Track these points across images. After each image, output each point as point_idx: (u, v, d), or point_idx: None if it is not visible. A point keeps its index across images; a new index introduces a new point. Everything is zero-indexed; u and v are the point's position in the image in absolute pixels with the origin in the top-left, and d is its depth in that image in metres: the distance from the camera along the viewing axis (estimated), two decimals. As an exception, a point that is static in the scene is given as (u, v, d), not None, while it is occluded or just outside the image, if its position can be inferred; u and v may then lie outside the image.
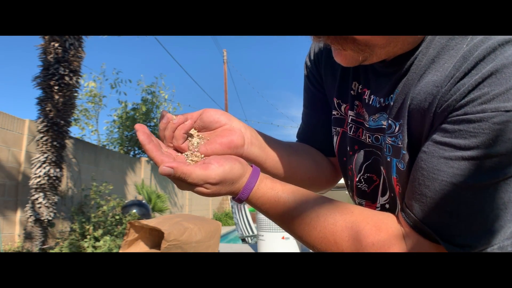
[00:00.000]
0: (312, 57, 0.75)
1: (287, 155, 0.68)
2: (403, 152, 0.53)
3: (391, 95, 0.56)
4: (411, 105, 0.51)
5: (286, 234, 4.01)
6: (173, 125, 0.56)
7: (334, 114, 0.71)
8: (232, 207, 7.88)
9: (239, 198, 0.53)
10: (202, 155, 0.55)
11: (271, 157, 0.65)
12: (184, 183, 0.50)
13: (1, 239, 4.55)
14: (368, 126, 0.62)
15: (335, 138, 0.72)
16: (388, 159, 0.57)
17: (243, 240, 7.11)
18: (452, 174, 0.45)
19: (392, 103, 0.55)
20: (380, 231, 0.50)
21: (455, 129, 0.44)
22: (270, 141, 0.66)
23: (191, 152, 0.55)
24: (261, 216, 4.19)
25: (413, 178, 0.50)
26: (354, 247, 0.49)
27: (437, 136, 0.47)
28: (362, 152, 0.65)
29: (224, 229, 9.38)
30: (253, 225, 7.36)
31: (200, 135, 0.59)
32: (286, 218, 0.53)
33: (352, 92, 0.65)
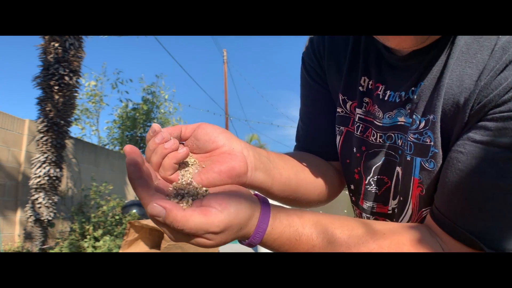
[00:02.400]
0: (312, 50, 0.69)
1: (295, 174, 0.60)
2: (435, 150, 0.48)
3: (413, 88, 0.52)
4: (444, 100, 0.47)
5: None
6: (164, 151, 0.45)
7: (339, 112, 0.65)
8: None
9: (250, 243, 0.44)
10: (199, 187, 0.45)
11: (277, 181, 0.56)
12: (180, 234, 0.39)
13: (1, 239, 4.55)
14: (380, 124, 0.57)
15: (338, 138, 0.66)
16: (408, 158, 0.52)
17: (243, 240, 7.09)
18: (498, 176, 0.41)
19: (415, 97, 0.51)
20: (418, 249, 0.46)
21: (499, 127, 0.41)
22: (275, 161, 0.57)
23: (185, 186, 0.44)
24: (261, 216, 4.18)
25: (448, 181, 0.45)
26: None
27: (475, 135, 0.43)
28: (371, 153, 0.60)
29: (224, 229, 9.33)
30: (253, 225, 7.33)
31: (195, 162, 0.48)
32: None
33: (361, 88, 0.60)
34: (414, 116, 0.51)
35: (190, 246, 3.01)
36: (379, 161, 0.59)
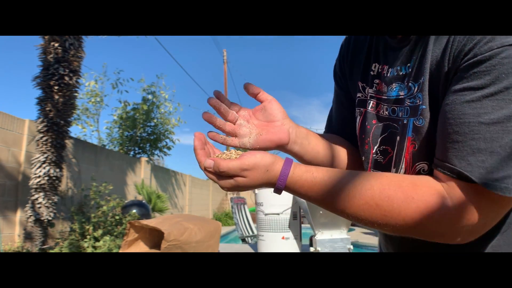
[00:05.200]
0: (339, 53, 0.82)
1: (323, 150, 0.76)
2: (423, 107, 0.57)
3: (409, 64, 0.61)
4: (430, 63, 0.55)
5: (286, 234, 4.02)
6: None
7: (359, 96, 0.74)
8: (232, 207, 7.87)
9: (278, 186, 0.57)
10: (237, 151, 0.64)
11: (309, 153, 0.73)
12: (225, 177, 0.57)
13: (1, 239, 4.55)
14: (386, 97, 0.67)
15: (358, 119, 0.75)
16: (405, 122, 0.61)
17: (243, 240, 7.10)
18: (477, 114, 0.47)
19: (410, 70, 0.60)
20: (416, 186, 0.51)
21: (469, 73, 0.48)
22: (310, 138, 0.74)
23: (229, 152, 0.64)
24: (261, 216, 4.19)
25: (441, 132, 0.52)
26: (396, 205, 0.50)
27: (454, 86, 0.50)
28: (380, 125, 0.69)
29: (224, 229, 9.37)
30: (253, 225, 7.35)
31: (251, 132, 0.68)
32: (326, 196, 0.55)
33: (372, 72, 0.71)
34: (410, 84, 0.61)
35: (190, 247, 3.01)
36: (385, 132, 0.68)
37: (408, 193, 0.50)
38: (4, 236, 4.68)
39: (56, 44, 4.78)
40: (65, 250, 4.38)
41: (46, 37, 4.81)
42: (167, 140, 11.29)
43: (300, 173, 0.56)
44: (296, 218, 4.00)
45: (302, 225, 4.18)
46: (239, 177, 0.57)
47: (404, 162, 0.62)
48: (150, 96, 10.86)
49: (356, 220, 0.54)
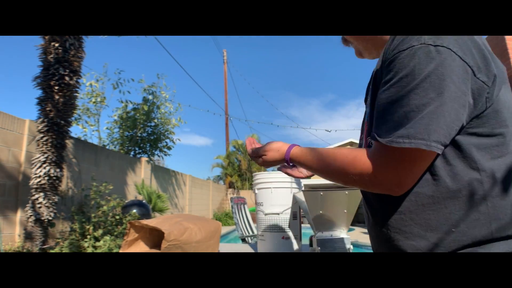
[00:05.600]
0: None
1: None
2: (368, 99, 0.85)
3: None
4: (376, 67, 0.79)
5: (286, 234, 4.02)
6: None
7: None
8: (232, 207, 7.88)
9: (285, 159, 0.92)
10: None
11: None
12: (257, 157, 0.99)
13: (1, 239, 4.55)
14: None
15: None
16: (368, 114, 0.87)
17: (243, 240, 7.11)
18: (386, 97, 0.70)
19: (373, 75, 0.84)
20: (353, 151, 0.76)
21: (385, 71, 0.72)
22: None
23: None
24: (261, 216, 4.20)
25: (374, 115, 0.74)
26: (340, 162, 0.76)
27: (381, 82, 0.73)
28: (367, 123, 0.92)
29: (224, 229, 9.37)
30: (253, 225, 7.36)
31: None
32: (307, 163, 0.86)
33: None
34: (371, 86, 0.84)
35: (190, 247, 3.01)
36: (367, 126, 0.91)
37: (346, 155, 0.76)
38: (4, 236, 4.68)
39: (57, 44, 4.78)
40: (65, 250, 4.39)
41: (46, 37, 4.81)
42: (168, 140, 11.30)
43: (297, 150, 0.90)
44: (296, 218, 4.01)
45: (302, 225, 4.18)
46: (263, 155, 0.97)
47: (364, 140, 0.88)
48: (150, 97, 10.85)
49: (322, 174, 0.82)
